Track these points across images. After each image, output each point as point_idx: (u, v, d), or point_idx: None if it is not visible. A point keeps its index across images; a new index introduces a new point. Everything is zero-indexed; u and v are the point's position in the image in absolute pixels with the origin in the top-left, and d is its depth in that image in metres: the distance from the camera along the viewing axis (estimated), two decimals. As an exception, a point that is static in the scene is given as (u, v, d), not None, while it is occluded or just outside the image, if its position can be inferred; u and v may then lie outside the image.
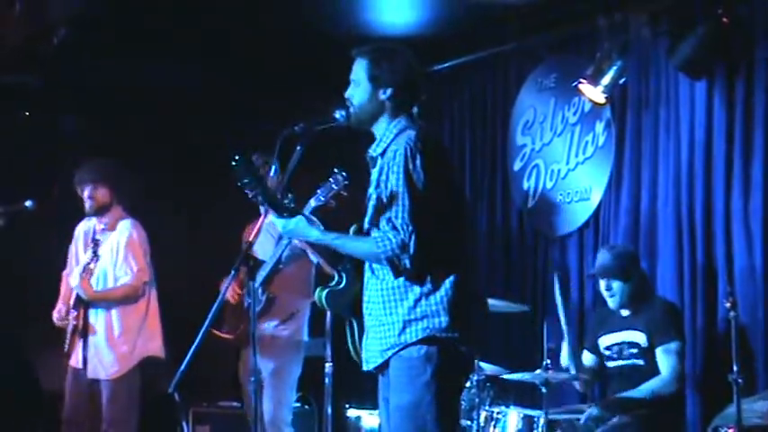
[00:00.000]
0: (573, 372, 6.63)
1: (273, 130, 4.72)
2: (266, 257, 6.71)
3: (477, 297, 4.70)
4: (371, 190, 4.63)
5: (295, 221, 4.69)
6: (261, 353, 6.82)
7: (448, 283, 4.46)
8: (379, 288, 4.53)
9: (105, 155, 7.24)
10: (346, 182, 5.89)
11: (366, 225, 4.65)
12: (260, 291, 6.78)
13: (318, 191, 6.12)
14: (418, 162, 4.43)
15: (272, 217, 4.72)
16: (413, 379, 4.44)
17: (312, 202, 6.25)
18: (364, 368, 4.69)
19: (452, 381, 4.55)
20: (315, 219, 5.05)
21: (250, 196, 4.67)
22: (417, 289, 4.46)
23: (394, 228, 4.41)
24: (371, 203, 4.61)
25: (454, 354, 4.46)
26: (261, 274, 6.71)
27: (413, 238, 4.37)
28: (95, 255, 6.87)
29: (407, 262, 4.39)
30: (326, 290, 4.79)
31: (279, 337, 6.91)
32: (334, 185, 5.96)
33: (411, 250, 4.37)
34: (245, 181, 4.62)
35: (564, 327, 6.67)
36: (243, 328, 6.80)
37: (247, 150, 4.72)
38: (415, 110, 4.72)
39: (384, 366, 4.57)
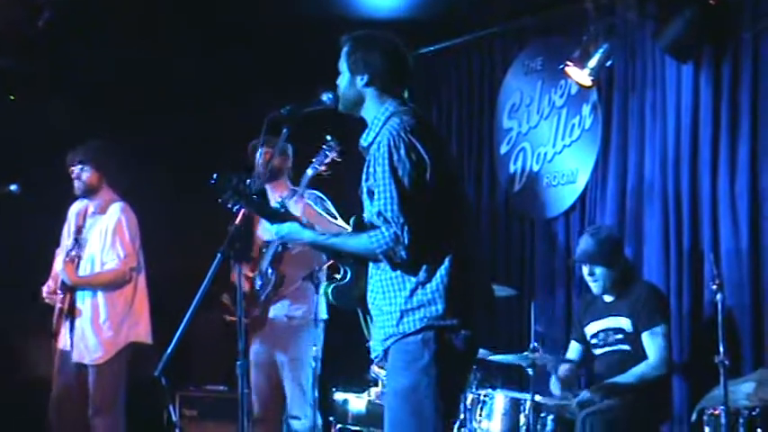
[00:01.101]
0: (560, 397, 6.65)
1: (261, 113, 4.71)
2: (271, 238, 6.71)
3: (479, 282, 4.66)
4: (363, 182, 4.62)
5: (288, 226, 4.71)
6: (277, 336, 6.88)
7: (443, 270, 4.43)
8: (380, 279, 4.52)
9: (92, 136, 7.21)
10: (339, 148, 5.93)
11: (366, 219, 4.65)
12: (269, 270, 6.80)
13: (313, 160, 6.16)
14: (402, 151, 4.41)
15: (265, 224, 4.73)
16: (410, 363, 4.43)
17: (309, 172, 6.29)
18: (372, 356, 4.70)
19: (452, 367, 4.50)
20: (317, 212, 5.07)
21: (233, 210, 4.68)
22: (414, 278, 4.44)
23: (385, 221, 4.40)
24: (364, 197, 4.60)
25: (452, 340, 4.44)
26: (268, 254, 6.74)
27: (405, 228, 4.36)
28: (77, 242, 6.88)
29: (403, 253, 4.38)
30: (332, 285, 4.79)
31: (294, 318, 6.90)
32: (327, 152, 6.03)
33: (405, 241, 4.36)
34: (225, 196, 4.64)
35: (550, 364, 6.68)
36: (253, 312, 6.84)
37: (224, 169, 4.71)
38: (405, 94, 4.71)
39: (386, 355, 4.56)
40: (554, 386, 6.73)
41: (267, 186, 6.97)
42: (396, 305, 4.46)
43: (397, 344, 4.47)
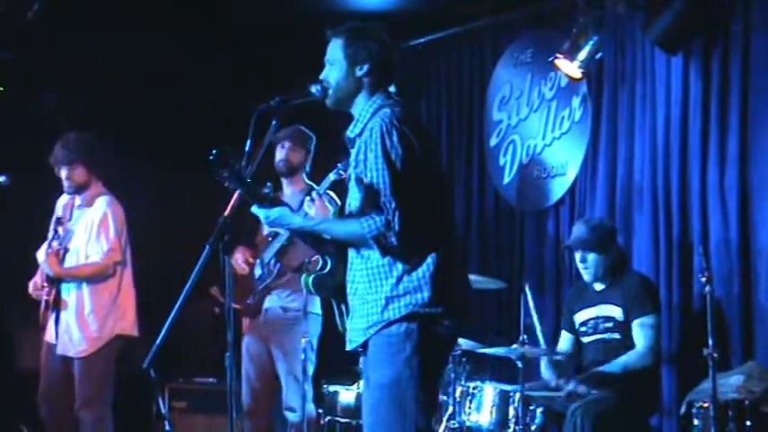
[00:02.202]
0: (552, 383, 6.65)
1: (251, 107, 4.69)
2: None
3: (460, 272, 4.71)
4: (350, 170, 4.62)
5: (277, 211, 4.68)
6: (273, 327, 6.87)
7: (430, 258, 4.45)
8: (365, 268, 4.52)
9: (82, 128, 7.18)
10: None
11: (348, 207, 4.65)
12: (272, 262, 6.80)
13: (339, 164, 6.15)
14: (395, 138, 4.41)
15: (254, 208, 4.71)
16: (393, 356, 4.44)
17: (331, 176, 6.28)
18: (348, 348, 4.69)
19: (433, 358, 4.53)
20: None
21: (229, 187, 4.67)
22: (401, 266, 4.45)
23: (377, 206, 4.40)
24: (352, 184, 4.60)
25: (435, 330, 4.46)
26: (274, 246, 6.74)
27: (396, 214, 4.36)
28: (56, 233, 6.86)
29: (394, 239, 4.38)
30: (312, 275, 4.79)
31: (289, 309, 6.89)
32: None
33: (396, 227, 4.36)
34: (223, 174, 4.63)
35: (540, 339, 6.69)
36: (249, 298, 6.88)
37: (224, 145, 4.70)
38: (392, 88, 4.71)
39: (366, 345, 4.56)
40: (546, 372, 6.73)
41: (284, 181, 6.98)
42: (381, 293, 4.46)
43: (380, 336, 4.48)
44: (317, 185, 6.50)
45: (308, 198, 5.17)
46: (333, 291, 4.74)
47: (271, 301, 6.91)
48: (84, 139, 7.07)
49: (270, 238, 6.86)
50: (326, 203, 6.46)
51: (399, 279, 4.45)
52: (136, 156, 8.07)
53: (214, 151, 4.57)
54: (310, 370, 6.95)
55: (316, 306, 6.92)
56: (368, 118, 4.58)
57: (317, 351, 6.93)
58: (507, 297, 7.78)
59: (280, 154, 6.98)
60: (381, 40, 4.68)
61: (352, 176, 4.58)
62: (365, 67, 4.62)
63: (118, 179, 7.23)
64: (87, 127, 7.24)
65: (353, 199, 4.59)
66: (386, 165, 4.40)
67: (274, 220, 4.71)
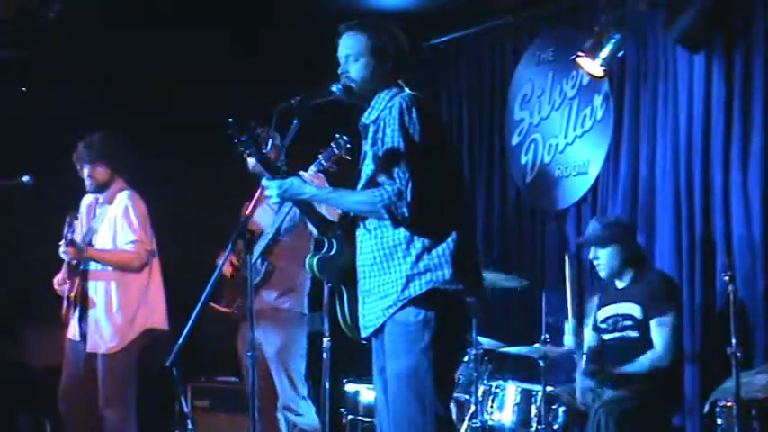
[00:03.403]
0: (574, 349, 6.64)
1: (270, 103, 4.70)
2: (266, 229, 6.69)
3: (476, 258, 4.71)
4: (367, 148, 4.64)
5: (290, 181, 4.69)
6: (264, 328, 6.81)
7: (450, 237, 4.48)
8: (380, 247, 4.54)
9: (103, 128, 7.19)
10: (348, 145, 5.92)
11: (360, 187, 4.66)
12: (259, 261, 6.76)
13: (320, 156, 6.14)
14: (414, 114, 4.46)
15: (264, 181, 4.70)
16: (411, 345, 4.46)
17: (313, 168, 6.25)
18: (362, 335, 4.69)
19: (450, 345, 4.57)
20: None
21: (245, 154, 4.69)
22: (419, 243, 4.47)
23: (390, 177, 4.42)
24: (367, 163, 4.62)
25: (454, 312, 4.49)
26: (260, 245, 6.70)
27: (409, 185, 4.39)
28: (70, 226, 6.86)
29: (405, 210, 4.40)
30: (317, 256, 4.78)
31: (281, 310, 6.87)
32: (335, 150, 6.01)
33: (408, 197, 4.39)
34: (242, 139, 4.65)
35: (569, 306, 6.67)
36: (240, 301, 6.79)
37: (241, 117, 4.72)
38: (401, 83, 4.74)
39: (380, 330, 4.57)
40: (567, 338, 6.72)
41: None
42: (401, 271, 4.48)
43: (396, 324, 4.50)
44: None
45: (307, 174, 5.17)
46: (336, 274, 4.75)
47: (261, 302, 6.87)
48: (108, 140, 7.08)
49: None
50: (322, 178, 6.47)
51: (419, 257, 4.47)
52: (157, 154, 8.08)
53: (230, 119, 4.60)
54: (302, 368, 6.95)
55: (305, 307, 6.92)
56: (383, 106, 4.61)
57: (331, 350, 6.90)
58: (528, 296, 7.76)
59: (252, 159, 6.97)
60: (401, 37, 4.74)
61: (369, 155, 4.59)
62: (390, 65, 4.68)
63: (137, 178, 7.23)
64: (107, 126, 7.25)
65: (369, 178, 4.59)
66: (402, 138, 4.44)
67: (287, 189, 4.68)
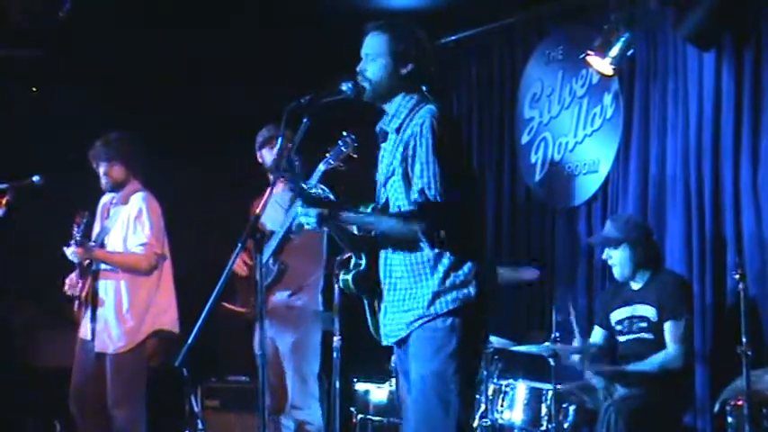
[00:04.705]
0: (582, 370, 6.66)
1: (282, 103, 4.70)
2: (276, 228, 6.69)
3: (492, 269, 4.77)
4: (394, 162, 4.60)
5: (328, 207, 4.63)
6: (277, 326, 6.83)
7: (474, 254, 4.52)
8: (408, 263, 4.56)
9: (112, 128, 7.20)
10: (356, 144, 5.91)
11: (381, 201, 4.66)
12: (271, 261, 6.77)
13: (327, 155, 6.13)
14: (446, 134, 4.46)
15: (299, 209, 4.68)
16: (438, 349, 4.48)
17: (321, 167, 6.25)
18: (384, 343, 4.72)
19: (474, 352, 4.63)
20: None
21: (288, 187, 4.72)
22: (446, 261, 4.50)
23: (427, 199, 4.43)
24: (394, 178, 4.60)
25: (478, 324, 4.53)
26: (271, 245, 6.70)
27: (445, 208, 4.42)
28: (78, 227, 6.87)
29: (443, 233, 4.44)
30: (351, 273, 4.80)
31: (294, 308, 6.88)
32: (343, 148, 6.01)
33: (446, 221, 4.43)
34: (287, 176, 4.66)
35: (575, 329, 6.68)
36: (255, 301, 6.79)
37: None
38: (424, 87, 4.72)
39: (405, 339, 4.59)
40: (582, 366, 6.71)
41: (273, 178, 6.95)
42: (428, 287, 4.51)
43: (424, 329, 4.51)
44: (308, 178, 6.51)
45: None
46: (367, 289, 4.76)
47: (274, 301, 6.88)
48: (125, 139, 7.10)
49: (267, 239, 6.81)
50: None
51: (447, 274, 4.49)
52: (167, 154, 8.09)
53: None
54: (316, 368, 6.94)
55: (319, 304, 6.91)
56: (406, 114, 4.59)
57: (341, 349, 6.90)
58: (539, 294, 7.75)
59: (269, 155, 6.97)
60: (424, 40, 4.71)
61: (398, 171, 4.57)
62: (409, 67, 4.64)
63: (150, 176, 7.24)
64: (117, 126, 7.25)
65: (399, 194, 4.58)
66: (436, 157, 4.44)
67: (326, 217, 4.60)
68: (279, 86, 6.03)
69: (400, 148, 4.56)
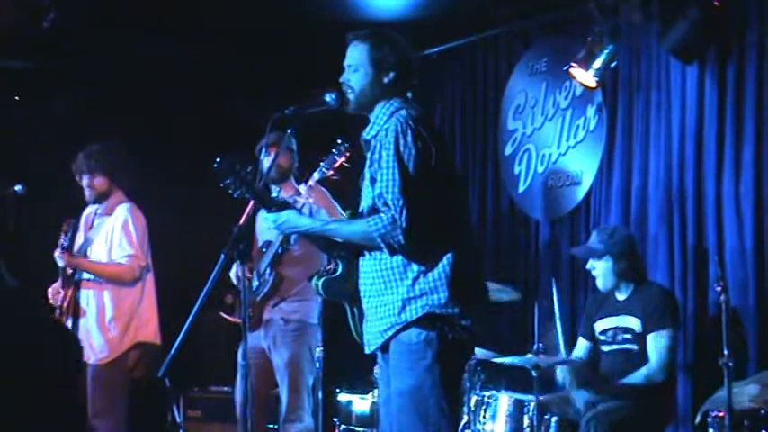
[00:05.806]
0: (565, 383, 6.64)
1: (269, 113, 4.71)
2: (272, 239, 6.68)
3: (476, 276, 4.69)
4: (365, 170, 4.63)
5: (285, 214, 4.71)
6: (274, 338, 6.81)
7: (446, 260, 4.45)
8: (378, 269, 4.53)
9: (97, 137, 7.19)
10: (348, 153, 5.90)
11: (361, 208, 4.65)
12: (267, 272, 6.76)
13: (321, 164, 6.12)
14: (410, 138, 4.42)
15: (263, 213, 4.71)
16: (414, 363, 4.45)
17: (316, 175, 6.24)
18: (366, 351, 4.70)
19: (453, 364, 4.56)
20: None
21: (234, 196, 4.70)
22: (416, 267, 4.45)
23: (385, 204, 4.41)
24: (365, 184, 4.61)
25: (454, 334, 4.47)
26: (268, 255, 6.70)
27: (404, 212, 4.37)
28: (66, 234, 6.86)
29: (401, 238, 4.38)
30: (323, 278, 4.78)
31: (290, 321, 6.85)
32: (336, 156, 6.01)
33: (403, 225, 4.37)
34: (228, 182, 4.66)
35: (560, 338, 6.65)
36: (252, 312, 6.79)
37: (229, 154, 4.73)
38: (409, 94, 4.71)
39: (386, 347, 4.57)
40: (560, 374, 6.70)
41: (273, 188, 6.94)
42: (398, 294, 4.47)
43: (399, 343, 4.49)
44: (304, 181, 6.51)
45: (303, 187, 5.13)
46: (345, 294, 4.73)
47: (271, 312, 6.87)
48: (108, 150, 7.09)
49: (263, 250, 6.82)
50: (322, 190, 6.45)
51: (415, 280, 4.45)
52: (152, 164, 8.08)
53: (218, 160, 4.60)
54: (310, 381, 6.93)
55: (314, 316, 6.91)
56: (384, 120, 4.59)
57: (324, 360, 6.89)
58: (522, 306, 7.76)
59: (268, 161, 6.96)
60: (405, 47, 4.71)
61: (367, 176, 4.58)
62: (391, 75, 4.63)
63: (133, 186, 7.22)
64: (102, 136, 7.24)
65: (366, 198, 4.59)
66: (397, 163, 4.41)
67: (283, 223, 4.73)
68: (270, 88, 6.06)
69: (373, 155, 4.57)
